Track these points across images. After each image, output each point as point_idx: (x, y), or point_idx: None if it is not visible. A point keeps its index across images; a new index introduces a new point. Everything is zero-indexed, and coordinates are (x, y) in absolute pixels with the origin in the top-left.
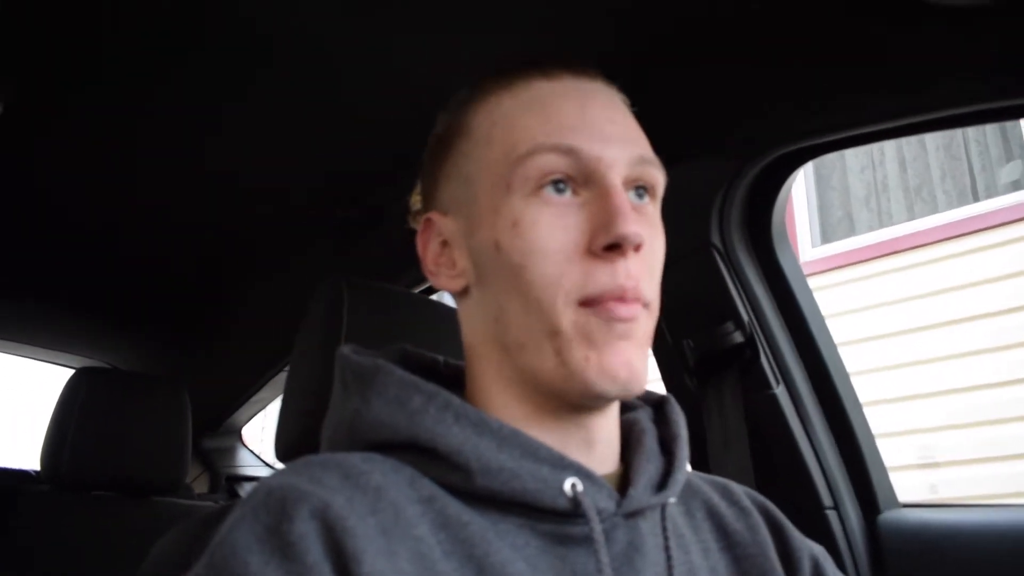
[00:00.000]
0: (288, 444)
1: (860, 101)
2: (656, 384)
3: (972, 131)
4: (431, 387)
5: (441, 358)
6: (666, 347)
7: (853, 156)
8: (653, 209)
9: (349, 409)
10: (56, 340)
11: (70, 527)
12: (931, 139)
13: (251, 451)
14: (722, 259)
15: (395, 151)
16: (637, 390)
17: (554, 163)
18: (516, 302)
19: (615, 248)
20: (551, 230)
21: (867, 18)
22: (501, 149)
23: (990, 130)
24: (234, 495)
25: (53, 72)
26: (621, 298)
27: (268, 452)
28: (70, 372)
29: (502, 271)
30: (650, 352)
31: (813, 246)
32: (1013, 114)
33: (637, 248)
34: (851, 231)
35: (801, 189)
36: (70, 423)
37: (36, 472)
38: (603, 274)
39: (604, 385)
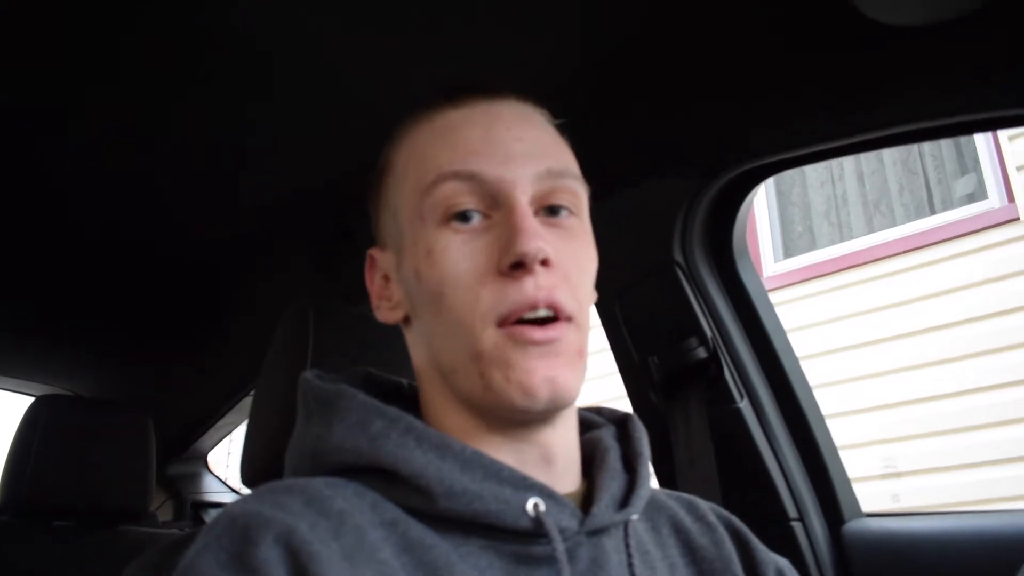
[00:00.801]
0: (254, 469)
1: (817, 119)
2: (623, 400)
3: (928, 145)
4: (393, 411)
5: (405, 381)
6: (632, 364)
7: (813, 171)
8: (576, 222)
9: (312, 434)
10: (15, 368)
11: (32, 558)
12: (888, 154)
13: (217, 477)
14: (685, 276)
15: (357, 177)
16: (564, 404)
17: (457, 190)
18: (441, 328)
19: (520, 266)
20: (460, 256)
21: (822, 39)
22: (413, 180)
23: (945, 144)
24: (200, 522)
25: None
26: (533, 306)
27: (234, 478)
28: (30, 400)
29: (425, 299)
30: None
31: (775, 260)
32: (965, 129)
33: (545, 263)
34: (812, 245)
35: (763, 204)
36: (30, 452)
37: None
38: (513, 291)
39: (526, 403)
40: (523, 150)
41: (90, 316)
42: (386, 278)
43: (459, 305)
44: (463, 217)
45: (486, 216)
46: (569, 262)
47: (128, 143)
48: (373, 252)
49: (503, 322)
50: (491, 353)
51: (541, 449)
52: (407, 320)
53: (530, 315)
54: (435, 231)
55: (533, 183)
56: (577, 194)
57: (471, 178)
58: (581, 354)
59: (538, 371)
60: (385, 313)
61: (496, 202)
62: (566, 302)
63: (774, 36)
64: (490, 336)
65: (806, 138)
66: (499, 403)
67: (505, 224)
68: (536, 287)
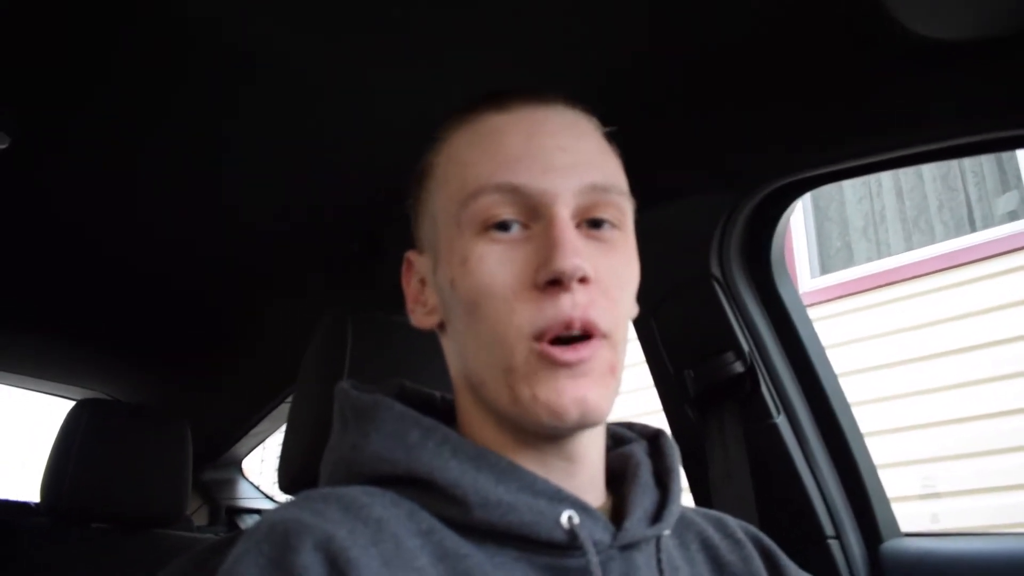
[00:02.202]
0: (292, 475)
1: (855, 134)
2: (659, 415)
3: (969, 161)
4: (429, 421)
5: (438, 393)
6: (667, 378)
7: (851, 187)
8: (619, 235)
9: (348, 444)
10: (57, 372)
11: (69, 560)
12: (928, 170)
13: (251, 483)
14: (722, 290)
15: (391, 183)
16: (593, 423)
17: (498, 202)
18: (473, 339)
19: (557, 283)
20: (497, 268)
21: (865, 53)
22: (454, 187)
23: (987, 160)
24: (234, 527)
25: (51, 107)
26: (568, 327)
27: (267, 484)
28: (71, 404)
29: (459, 308)
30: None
31: (812, 276)
32: (1008, 145)
33: (583, 280)
34: (850, 261)
35: (800, 220)
36: (70, 455)
37: (36, 504)
38: (549, 307)
39: (553, 422)
40: (567, 161)
41: (131, 322)
42: (423, 282)
43: (493, 317)
44: (502, 227)
45: (525, 227)
46: (609, 278)
47: (156, 157)
48: (411, 255)
49: (538, 338)
50: (521, 369)
51: (566, 460)
52: (442, 326)
53: (565, 334)
54: (472, 240)
55: (576, 196)
56: (622, 208)
57: (512, 191)
58: (613, 371)
59: (567, 392)
60: (420, 318)
61: (537, 214)
62: (601, 320)
63: (817, 51)
64: (521, 351)
65: (846, 152)
66: (526, 419)
67: (544, 237)
68: (572, 305)
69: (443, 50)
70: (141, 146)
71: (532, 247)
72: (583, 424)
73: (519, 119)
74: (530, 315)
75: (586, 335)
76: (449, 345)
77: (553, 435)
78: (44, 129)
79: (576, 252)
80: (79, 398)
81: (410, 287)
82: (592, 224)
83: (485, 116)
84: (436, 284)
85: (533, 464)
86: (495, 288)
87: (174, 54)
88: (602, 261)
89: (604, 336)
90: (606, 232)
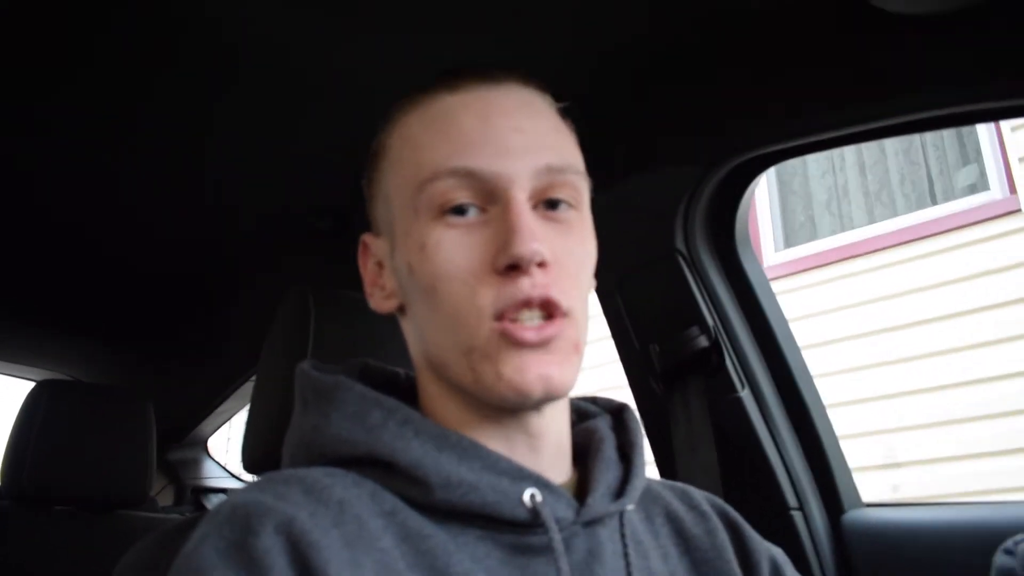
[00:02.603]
0: (255, 454)
1: (820, 108)
2: (620, 390)
3: (930, 136)
4: (391, 402)
5: (402, 371)
6: (633, 352)
7: (814, 161)
8: (575, 215)
9: (309, 425)
10: (16, 353)
11: (32, 543)
12: (890, 144)
13: (217, 462)
14: (687, 265)
15: (360, 159)
16: (558, 396)
17: (453, 187)
18: (433, 322)
19: (515, 267)
20: (455, 253)
21: (826, 27)
22: (408, 171)
23: (947, 135)
24: (200, 507)
25: (21, 89)
26: (527, 305)
27: (234, 463)
28: (30, 385)
29: (417, 292)
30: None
31: (776, 250)
32: (968, 119)
33: (541, 265)
34: (813, 235)
35: (764, 194)
36: (30, 437)
37: None
38: (509, 289)
39: (518, 399)
40: (522, 143)
41: (91, 302)
42: (380, 265)
43: (453, 300)
44: (458, 211)
45: (482, 210)
46: (567, 257)
47: (125, 133)
48: (367, 238)
49: (499, 318)
50: (483, 349)
51: (529, 436)
52: (402, 309)
53: (525, 315)
54: (428, 225)
55: (532, 178)
56: (578, 188)
57: (467, 175)
58: (577, 348)
59: (531, 369)
60: (379, 302)
61: (493, 197)
62: (562, 299)
63: (777, 25)
64: (483, 330)
65: (808, 127)
66: (489, 397)
67: (501, 221)
68: (532, 285)
69: (419, 26)
70: (110, 125)
71: (490, 231)
72: (547, 400)
73: (472, 100)
74: (490, 296)
75: (547, 315)
76: (409, 327)
77: (516, 409)
78: (12, 108)
79: (534, 236)
80: (39, 379)
81: (367, 270)
82: (548, 205)
83: (437, 97)
84: (394, 267)
85: (497, 441)
86: (454, 272)
87: (151, 34)
88: (559, 242)
89: (565, 315)
90: (562, 212)
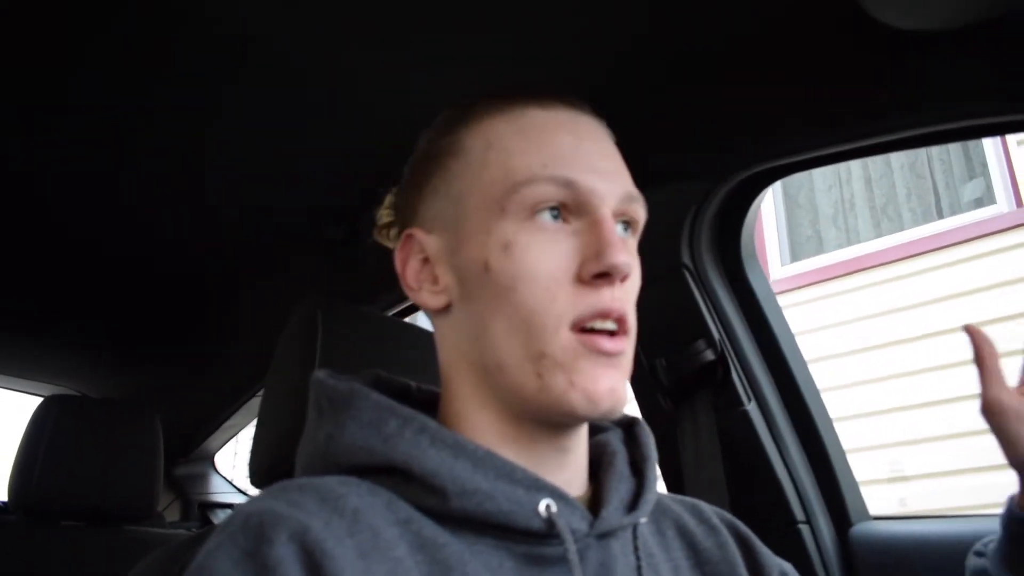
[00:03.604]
0: (262, 469)
1: (824, 123)
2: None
3: (936, 150)
4: (407, 411)
5: (413, 383)
6: (640, 367)
7: (820, 176)
8: (633, 242)
9: (323, 433)
10: (24, 368)
11: (40, 559)
12: (896, 158)
13: (224, 477)
14: (693, 279)
15: (374, 171)
16: (619, 414)
17: (550, 193)
18: (502, 323)
19: (604, 276)
20: (543, 255)
21: (832, 43)
22: (497, 173)
23: (953, 149)
24: (207, 522)
25: (21, 94)
26: (606, 315)
27: (241, 478)
28: (38, 401)
29: (489, 291)
30: None
31: (782, 264)
32: (974, 133)
33: (624, 279)
34: (820, 249)
35: (770, 208)
36: (38, 452)
37: (4, 503)
38: (592, 298)
39: (587, 410)
40: (610, 168)
41: (98, 317)
42: (426, 260)
43: (532, 303)
44: (552, 215)
45: (566, 221)
46: (634, 279)
47: (129, 141)
48: (415, 232)
49: (576, 328)
50: (558, 356)
51: (560, 450)
52: (447, 308)
53: (599, 325)
54: (516, 226)
55: (617, 201)
56: (641, 218)
57: (567, 184)
58: (631, 366)
59: (603, 380)
60: (426, 296)
61: (582, 210)
62: (630, 316)
63: (783, 40)
64: (560, 339)
65: (814, 141)
66: (554, 406)
67: (593, 233)
68: (612, 298)
69: (425, 36)
70: (115, 136)
71: (578, 241)
72: (611, 413)
73: (563, 120)
74: (569, 304)
75: (619, 329)
76: (455, 328)
77: (565, 423)
78: (13, 115)
79: (625, 249)
80: (46, 395)
81: (408, 264)
82: (622, 228)
83: (527, 109)
84: (455, 264)
85: (524, 455)
86: (538, 274)
87: (157, 39)
88: (632, 264)
89: (628, 333)
90: (629, 238)
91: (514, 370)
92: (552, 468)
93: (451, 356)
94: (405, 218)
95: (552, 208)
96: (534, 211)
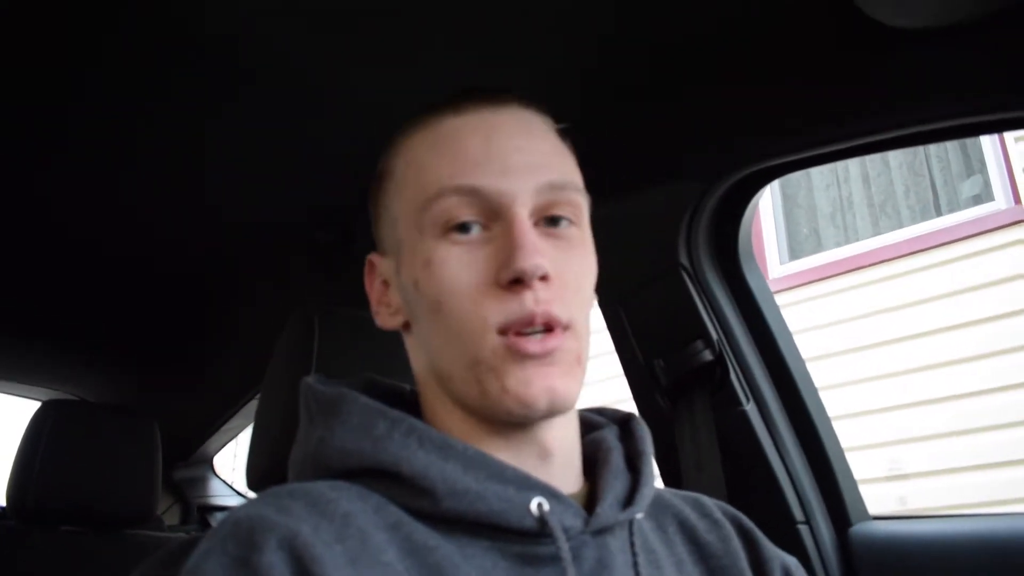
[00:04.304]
0: (259, 472)
1: (821, 122)
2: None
3: (934, 147)
4: (396, 413)
5: (407, 387)
6: (638, 367)
7: (818, 174)
8: (576, 231)
9: (314, 438)
10: (22, 372)
11: (38, 563)
12: (894, 156)
13: (223, 480)
14: (691, 279)
15: (364, 177)
16: (563, 411)
17: (457, 205)
18: (439, 336)
19: (518, 282)
20: (459, 269)
21: (827, 41)
22: (413, 190)
23: (951, 146)
24: (206, 525)
25: (22, 98)
26: (531, 322)
27: (240, 481)
28: (36, 405)
29: (423, 308)
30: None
31: (781, 263)
32: (972, 131)
33: (543, 278)
34: (818, 247)
35: (768, 207)
36: (36, 457)
37: (2, 508)
38: (513, 304)
39: (523, 411)
40: (524, 161)
41: (96, 321)
42: (385, 283)
43: (458, 313)
44: (462, 228)
45: (485, 227)
46: (568, 273)
47: (132, 150)
48: (373, 257)
49: (503, 332)
50: (488, 361)
51: (538, 447)
52: (407, 326)
53: (528, 330)
54: (433, 242)
55: (533, 196)
56: (578, 205)
57: (471, 192)
58: (580, 360)
59: (535, 381)
60: (385, 319)
61: (496, 215)
62: (562, 314)
63: (778, 39)
64: (489, 343)
65: (810, 140)
66: (494, 410)
67: (505, 238)
68: (535, 301)
69: (417, 47)
70: (113, 145)
71: (493, 247)
72: (552, 412)
73: (476, 121)
74: (495, 308)
75: (548, 329)
76: (414, 344)
77: (522, 424)
78: (12, 118)
79: (536, 251)
80: (44, 399)
81: (373, 289)
82: (550, 222)
83: (442, 119)
84: (400, 285)
85: (506, 454)
86: (459, 288)
87: (156, 47)
88: (561, 257)
89: (566, 328)
90: (563, 229)
91: (458, 379)
92: (535, 465)
93: (417, 369)
94: (375, 243)
95: (461, 225)
96: (446, 228)
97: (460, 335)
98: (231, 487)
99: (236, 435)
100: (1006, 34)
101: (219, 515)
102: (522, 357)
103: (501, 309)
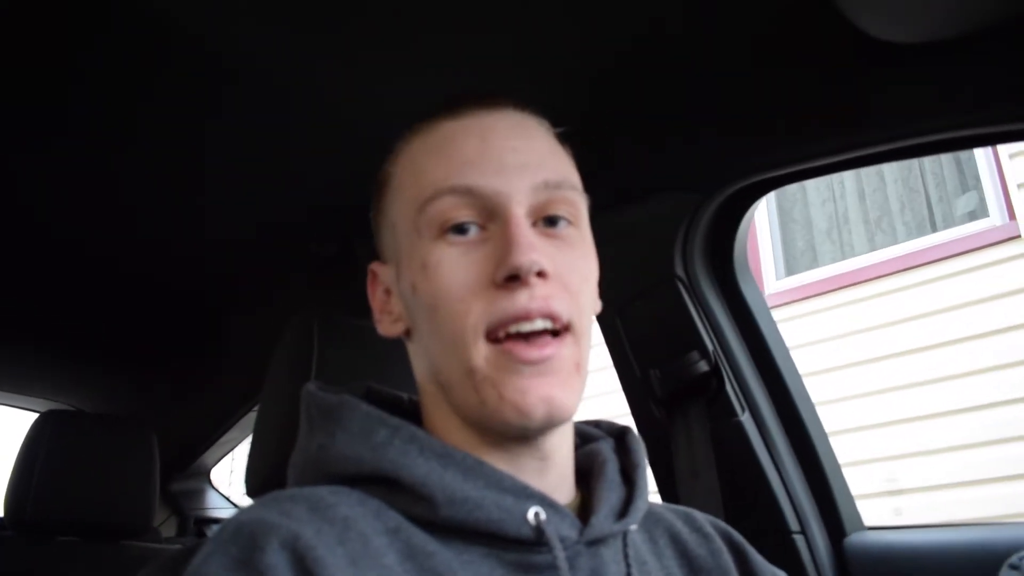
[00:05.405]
0: (258, 481)
1: (815, 135)
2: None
3: (929, 163)
4: (395, 420)
5: (405, 395)
6: (634, 378)
7: (814, 190)
8: (575, 231)
9: (314, 444)
10: (19, 383)
11: (34, 573)
12: (889, 171)
13: (220, 493)
14: (686, 290)
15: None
16: (561, 422)
17: (453, 204)
18: (437, 343)
19: (515, 279)
20: (455, 269)
21: (820, 55)
22: (410, 195)
23: (946, 162)
24: (203, 538)
25: (21, 105)
26: (526, 317)
27: (237, 494)
28: (34, 416)
29: (422, 313)
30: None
31: (777, 278)
32: (965, 144)
33: (541, 275)
34: (814, 263)
35: (765, 223)
36: (34, 467)
37: None
38: (505, 302)
39: (521, 422)
40: (519, 161)
41: (95, 332)
42: (387, 292)
43: (451, 317)
44: (459, 230)
45: (483, 228)
46: (568, 273)
47: (131, 158)
48: (375, 267)
49: (494, 334)
50: (484, 369)
51: (538, 458)
52: (408, 333)
53: (526, 327)
54: (430, 244)
55: (530, 195)
56: (575, 204)
57: (467, 192)
58: (579, 368)
59: (532, 391)
60: (386, 327)
61: (493, 215)
62: (563, 310)
63: (772, 53)
64: (481, 351)
65: (806, 153)
66: (491, 420)
67: (501, 237)
68: (530, 297)
69: (415, 58)
70: (112, 151)
71: (490, 247)
72: (550, 423)
73: (472, 124)
74: (483, 312)
75: (549, 330)
76: (415, 351)
77: (521, 435)
78: (9, 126)
79: (532, 247)
80: (42, 410)
81: (376, 298)
82: (548, 222)
83: (439, 123)
84: (400, 292)
85: (504, 464)
86: (453, 290)
87: (151, 57)
88: (560, 256)
89: (567, 327)
90: (562, 229)
91: (456, 387)
92: (532, 474)
93: (418, 377)
94: (378, 252)
95: (458, 226)
96: (443, 229)
97: (454, 340)
98: (228, 499)
99: (233, 448)
100: (997, 48)
101: (216, 527)
102: (517, 365)
103: (490, 309)
